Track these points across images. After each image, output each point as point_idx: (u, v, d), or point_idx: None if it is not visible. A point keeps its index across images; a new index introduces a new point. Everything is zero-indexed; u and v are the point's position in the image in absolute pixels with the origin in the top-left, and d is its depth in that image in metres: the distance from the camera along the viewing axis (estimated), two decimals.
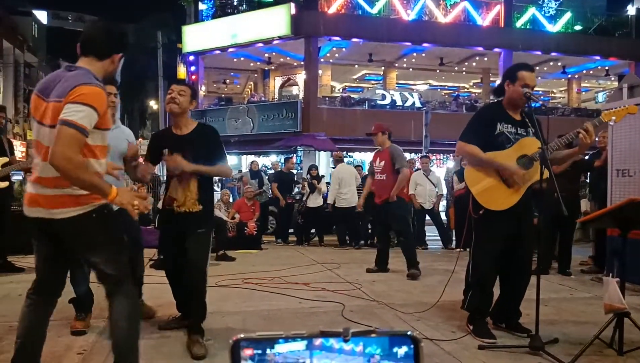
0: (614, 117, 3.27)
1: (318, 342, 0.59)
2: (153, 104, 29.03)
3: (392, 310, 4.18)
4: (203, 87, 20.58)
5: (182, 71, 20.08)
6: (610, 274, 3.90)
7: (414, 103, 18.27)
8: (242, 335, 0.60)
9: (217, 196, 9.53)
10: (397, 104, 18.16)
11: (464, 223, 3.93)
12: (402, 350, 0.58)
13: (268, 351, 0.60)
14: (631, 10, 20.49)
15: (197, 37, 19.12)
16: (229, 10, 18.91)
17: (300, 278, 5.58)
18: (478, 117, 3.64)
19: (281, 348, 0.60)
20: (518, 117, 3.48)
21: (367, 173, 7.30)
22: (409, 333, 0.59)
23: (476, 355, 3.08)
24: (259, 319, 3.88)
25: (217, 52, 18.95)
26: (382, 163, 6.02)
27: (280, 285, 5.15)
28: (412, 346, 0.58)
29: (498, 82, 4.05)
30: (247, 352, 0.60)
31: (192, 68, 19.58)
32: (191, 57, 19.54)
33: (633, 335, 3.07)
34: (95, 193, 2.18)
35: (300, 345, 0.60)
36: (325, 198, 9.25)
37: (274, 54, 19.41)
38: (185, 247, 3.15)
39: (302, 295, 4.64)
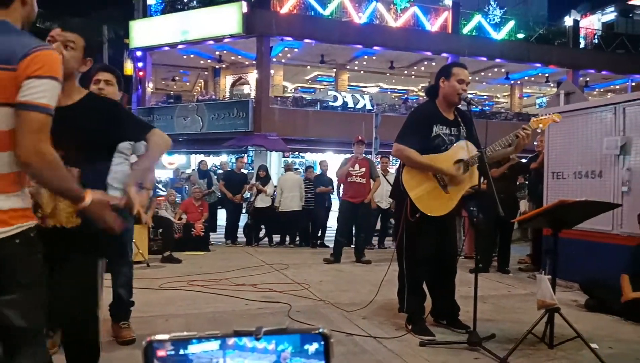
0: (541, 125, 3.47)
1: (231, 341, 0.60)
2: None
3: (338, 309, 4.22)
4: (151, 84, 20.06)
5: (129, 67, 19.47)
6: (543, 271, 4.09)
7: (364, 105, 18.55)
8: (155, 337, 0.59)
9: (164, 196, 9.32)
10: (348, 106, 18.40)
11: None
12: (312, 347, 0.59)
13: (181, 351, 0.59)
14: (568, 21, 21.61)
15: (145, 32, 18.62)
16: (179, 7, 18.53)
17: (248, 279, 5.53)
18: (415, 119, 3.60)
19: (195, 348, 0.60)
20: (451, 116, 3.56)
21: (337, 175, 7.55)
22: (320, 330, 0.60)
23: (417, 352, 3.16)
24: (203, 322, 3.82)
25: (166, 48, 18.53)
26: (363, 170, 7.04)
27: (227, 286, 5.08)
28: (322, 342, 0.60)
29: None
30: (160, 353, 0.59)
31: (140, 64, 19.06)
32: (139, 53, 19.00)
33: (563, 330, 3.23)
34: (67, 198, 1.71)
35: (213, 345, 0.60)
36: (273, 199, 9.29)
37: (225, 52, 19.18)
38: (57, 284, 1.85)
39: (249, 297, 4.60)
